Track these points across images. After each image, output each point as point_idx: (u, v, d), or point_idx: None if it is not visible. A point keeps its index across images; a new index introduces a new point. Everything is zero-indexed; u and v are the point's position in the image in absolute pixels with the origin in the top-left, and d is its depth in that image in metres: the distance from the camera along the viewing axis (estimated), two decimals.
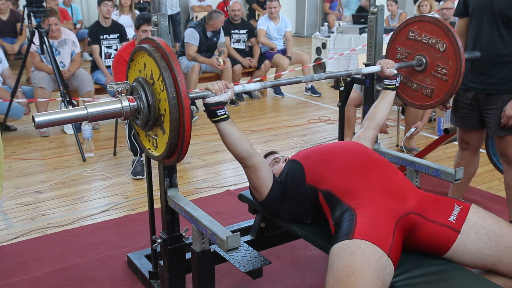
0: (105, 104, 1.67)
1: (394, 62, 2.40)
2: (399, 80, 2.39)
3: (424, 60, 2.44)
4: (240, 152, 1.94)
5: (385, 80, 2.37)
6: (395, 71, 2.35)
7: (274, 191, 2.07)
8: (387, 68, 2.33)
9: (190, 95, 1.70)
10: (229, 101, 1.91)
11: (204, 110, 1.86)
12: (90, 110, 1.63)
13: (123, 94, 1.73)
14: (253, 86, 2.00)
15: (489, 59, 2.57)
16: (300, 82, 2.18)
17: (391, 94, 2.38)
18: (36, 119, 1.55)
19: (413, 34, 2.47)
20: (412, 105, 2.60)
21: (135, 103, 1.69)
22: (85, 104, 1.65)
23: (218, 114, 1.85)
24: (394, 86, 2.37)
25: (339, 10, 11.01)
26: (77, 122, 1.66)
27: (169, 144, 1.65)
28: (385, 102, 2.38)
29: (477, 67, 2.63)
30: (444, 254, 1.84)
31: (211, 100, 1.83)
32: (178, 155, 1.68)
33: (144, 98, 1.68)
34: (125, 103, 1.68)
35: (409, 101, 2.58)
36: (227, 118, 1.88)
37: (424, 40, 2.43)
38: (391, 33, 2.61)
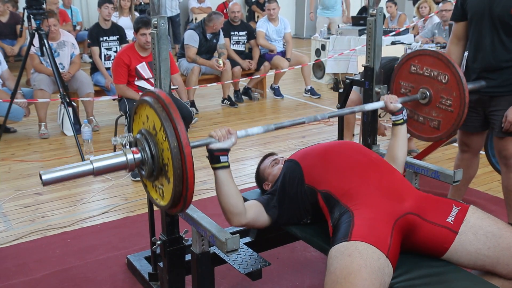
0: (110, 158, 1.70)
1: (399, 96, 2.38)
2: (406, 113, 2.32)
3: (428, 93, 2.44)
4: (231, 206, 1.90)
5: (392, 117, 2.32)
6: (400, 105, 2.30)
7: (272, 219, 2.07)
8: (391, 103, 2.29)
9: (193, 144, 1.72)
10: (232, 146, 1.89)
11: (206, 156, 1.86)
12: (96, 165, 1.65)
13: (127, 147, 1.75)
14: (256, 130, 2.01)
15: (491, 65, 2.58)
16: (303, 123, 2.16)
17: (403, 129, 2.30)
18: (43, 177, 1.56)
19: (415, 68, 2.48)
20: (421, 138, 2.59)
21: (139, 154, 1.71)
22: (91, 159, 1.67)
23: (221, 160, 1.85)
24: (402, 121, 2.30)
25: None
26: (83, 177, 1.70)
27: (174, 193, 1.66)
28: (400, 139, 2.28)
29: (479, 74, 2.63)
30: (442, 256, 1.84)
31: (215, 146, 1.84)
32: (183, 204, 1.70)
33: (147, 149, 1.70)
34: (130, 156, 1.70)
35: (417, 134, 2.58)
36: (228, 166, 1.88)
37: (426, 73, 2.44)
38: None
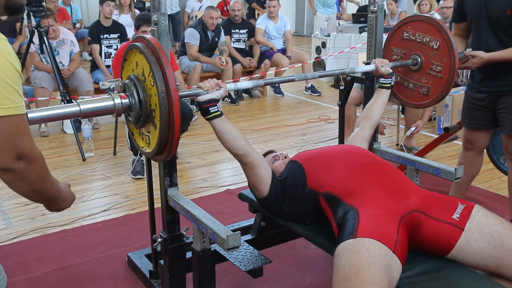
0: (97, 101, 1.71)
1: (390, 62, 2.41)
2: (394, 79, 2.40)
3: (419, 59, 2.45)
4: (236, 149, 1.95)
5: (380, 79, 2.38)
6: (390, 70, 2.36)
7: (275, 188, 2.07)
8: (382, 66, 2.34)
9: (181, 93, 1.73)
10: (221, 98, 1.92)
11: (197, 109, 1.87)
12: (83, 106, 1.67)
13: (115, 91, 1.77)
14: (245, 84, 2.02)
15: (496, 67, 2.57)
16: (293, 80, 2.18)
17: (386, 93, 2.39)
18: (29, 115, 1.58)
19: (408, 34, 2.48)
20: (410, 104, 2.60)
21: (127, 100, 1.73)
22: (77, 101, 1.69)
23: (211, 111, 1.86)
24: (389, 85, 2.37)
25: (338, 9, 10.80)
26: (70, 118, 1.72)
27: (160, 139, 1.68)
28: (380, 101, 2.39)
29: (486, 74, 2.64)
30: (448, 253, 1.83)
31: (203, 98, 1.85)
32: (169, 150, 1.71)
33: (135, 94, 1.72)
34: (117, 100, 1.72)
35: (406, 101, 2.58)
36: (221, 114, 1.89)
37: (418, 39, 2.44)
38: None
